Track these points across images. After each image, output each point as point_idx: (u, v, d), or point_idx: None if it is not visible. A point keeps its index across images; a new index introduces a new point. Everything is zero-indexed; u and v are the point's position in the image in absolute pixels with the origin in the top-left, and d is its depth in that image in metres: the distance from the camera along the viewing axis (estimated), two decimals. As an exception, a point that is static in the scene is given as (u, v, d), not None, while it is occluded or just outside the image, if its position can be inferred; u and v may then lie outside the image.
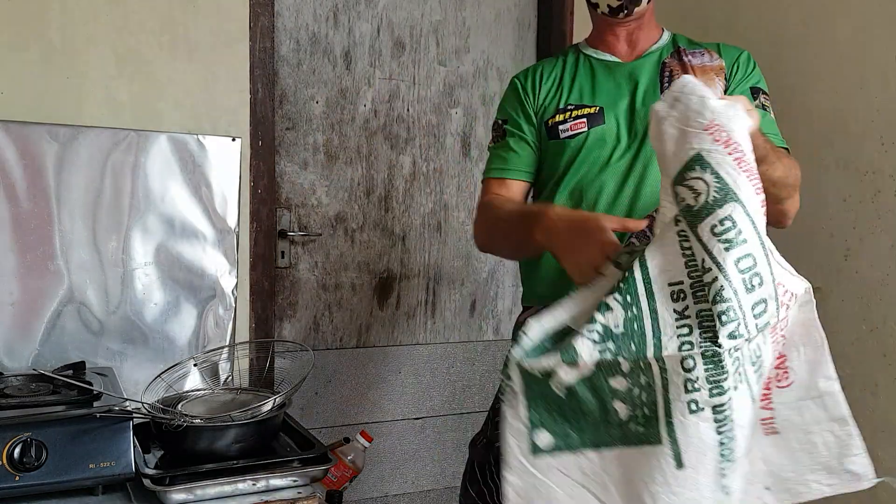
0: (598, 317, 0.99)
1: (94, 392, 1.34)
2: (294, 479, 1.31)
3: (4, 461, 1.16)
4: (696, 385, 0.95)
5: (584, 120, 1.45)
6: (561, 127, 1.46)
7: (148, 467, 1.28)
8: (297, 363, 1.56)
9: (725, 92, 1.43)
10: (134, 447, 1.26)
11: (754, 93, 1.42)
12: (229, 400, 1.47)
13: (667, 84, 1.43)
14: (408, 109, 2.37)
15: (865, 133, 1.69)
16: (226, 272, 1.86)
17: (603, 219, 1.18)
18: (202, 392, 1.53)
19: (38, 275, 1.66)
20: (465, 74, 2.44)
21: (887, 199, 1.64)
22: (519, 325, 1.55)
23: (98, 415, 1.24)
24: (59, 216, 1.68)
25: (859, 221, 1.70)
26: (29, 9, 1.77)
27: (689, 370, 0.95)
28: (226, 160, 1.86)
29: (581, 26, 2.48)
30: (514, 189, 1.51)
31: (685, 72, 1.42)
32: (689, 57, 1.47)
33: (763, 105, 1.43)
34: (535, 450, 1.03)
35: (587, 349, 0.98)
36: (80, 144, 1.70)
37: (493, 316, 2.54)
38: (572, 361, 0.98)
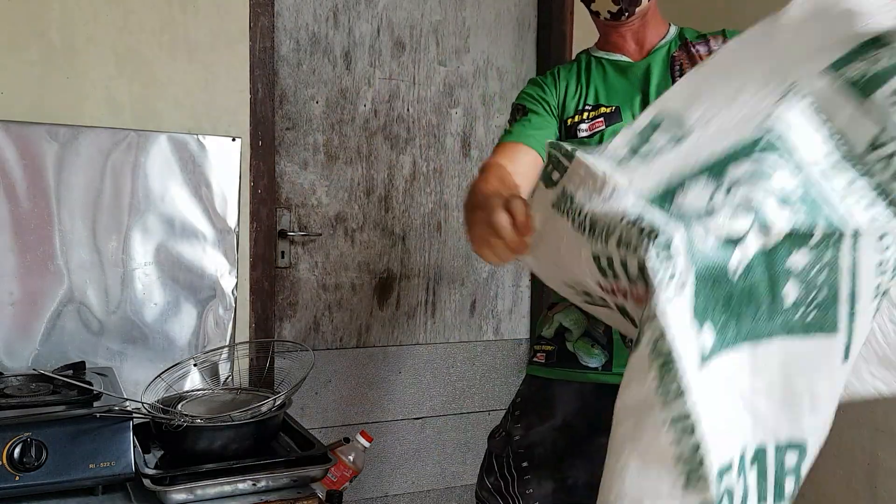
0: (776, 175, 0.79)
1: (94, 392, 1.34)
2: (294, 479, 1.31)
3: (4, 461, 1.16)
4: (883, 268, 0.81)
5: (602, 119, 1.46)
6: (580, 127, 1.47)
7: (148, 467, 1.28)
8: (297, 363, 1.56)
9: None
10: (134, 447, 1.26)
11: None
12: (229, 400, 1.47)
13: (677, 77, 1.43)
14: (408, 109, 2.37)
15: (865, 133, 1.69)
16: (226, 272, 1.86)
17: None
18: (202, 392, 1.53)
19: (38, 275, 1.66)
20: (465, 74, 2.44)
21: (887, 199, 1.64)
22: (546, 321, 1.50)
23: (98, 415, 1.24)
24: (59, 216, 1.68)
25: (859, 221, 1.70)
26: (29, 9, 1.77)
27: (885, 249, 0.80)
28: (226, 160, 1.86)
29: (581, 26, 2.48)
30: (523, 157, 1.41)
31: (694, 63, 1.43)
32: (698, 48, 1.47)
33: None
34: (703, 359, 0.77)
35: (781, 214, 0.78)
36: (80, 144, 1.70)
37: (493, 316, 2.54)
38: (765, 227, 0.77)
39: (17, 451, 1.17)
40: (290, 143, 2.21)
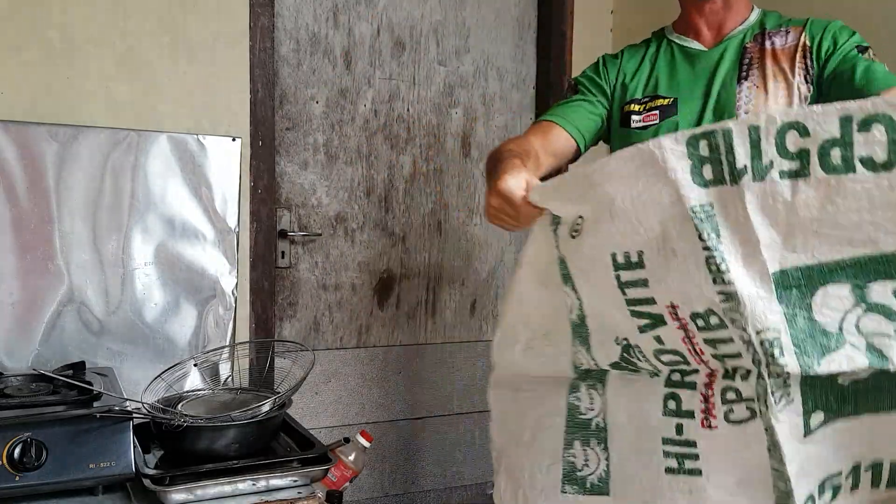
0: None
1: (94, 392, 1.34)
2: (294, 479, 1.31)
3: (4, 461, 1.16)
4: None
5: (657, 112, 1.43)
6: (634, 117, 1.44)
7: (148, 467, 1.28)
8: (297, 363, 1.56)
9: (821, 67, 1.35)
10: (134, 447, 1.26)
11: (861, 51, 1.34)
12: (229, 400, 1.47)
13: (744, 72, 1.39)
14: (408, 109, 2.37)
15: (865, 133, 1.68)
16: (226, 272, 1.86)
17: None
18: (202, 392, 1.53)
19: (38, 275, 1.66)
20: (465, 74, 2.44)
21: (887, 199, 1.64)
22: None
23: (98, 415, 1.24)
24: (59, 216, 1.68)
25: (859, 221, 1.70)
26: (29, 9, 1.77)
27: None
28: (226, 160, 1.86)
29: (581, 26, 2.48)
30: (556, 137, 1.43)
31: (762, 57, 1.38)
32: (773, 38, 1.40)
33: (873, 58, 1.34)
34: (807, 431, 0.89)
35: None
36: (80, 144, 1.70)
37: (493, 316, 2.54)
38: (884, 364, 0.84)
39: (17, 451, 1.17)
40: (290, 143, 2.21)
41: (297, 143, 2.22)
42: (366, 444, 1.75)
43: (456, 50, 2.42)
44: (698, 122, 1.40)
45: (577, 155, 1.48)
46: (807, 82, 1.36)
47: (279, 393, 1.44)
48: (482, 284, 2.51)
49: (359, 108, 2.30)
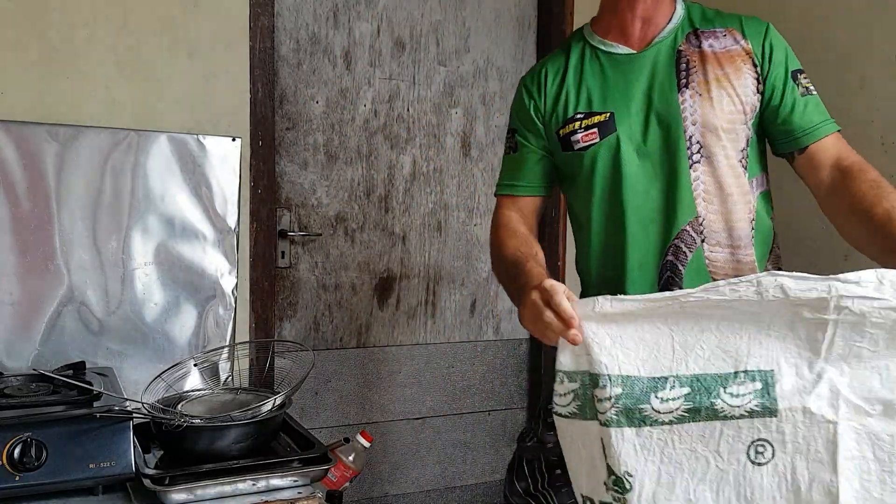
0: None
1: (94, 392, 1.34)
2: (294, 479, 1.31)
3: (4, 461, 1.16)
4: None
5: (595, 130, 1.33)
6: (573, 138, 1.35)
7: (148, 467, 1.28)
8: (297, 363, 1.56)
9: (762, 79, 1.29)
10: (134, 447, 1.26)
11: (795, 76, 1.28)
12: (229, 400, 1.47)
13: (684, 78, 1.29)
14: (408, 109, 2.37)
15: (865, 133, 1.69)
16: (226, 272, 1.86)
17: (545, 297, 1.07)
18: (202, 392, 1.53)
19: (38, 275, 1.66)
20: (465, 74, 2.44)
21: (887, 199, 1.64)
22: None
23: (98, 415, 1.24)
24: (59, 216, 1.68)
25: (859, 221, 1.70)
26: (29, 9, 1.77)
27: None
28: (226, 160, 1.86)
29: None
30: (525, 206, 1.44)
31: (704, 61, 1.29)
32: (709, 40, 1.30)
33: (807, 88, 1.29)
34: None
35: None
36: (80, 144, 1.70)
37: (493, 316, 2.54)
38: None
39: (17, 451, 1.17)
40: (290, 143, 2.21)
41: (297, 143, 2.22)
42: (366, 444, 1.75)
43: (456, 50, 2.42)
44: (643, 138, 1.31)
45: (544, 200, 1.46)
46: (757, 91, 1.29)
47: (279, 393, 1.43)
48: (482, 284, 2.51)
49: (359, 108, 2.30)
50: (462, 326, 2.49)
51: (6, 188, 1.63)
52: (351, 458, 1.70)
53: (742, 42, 1.30)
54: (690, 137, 1.28)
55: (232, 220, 1.87)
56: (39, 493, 1.20)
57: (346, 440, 1.74)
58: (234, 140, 1.87)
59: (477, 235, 2.49)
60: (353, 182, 2.30)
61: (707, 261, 1.29)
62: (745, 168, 1.31)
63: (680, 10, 1.34)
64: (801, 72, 1.30)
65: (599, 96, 1.35)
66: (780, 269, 1.35)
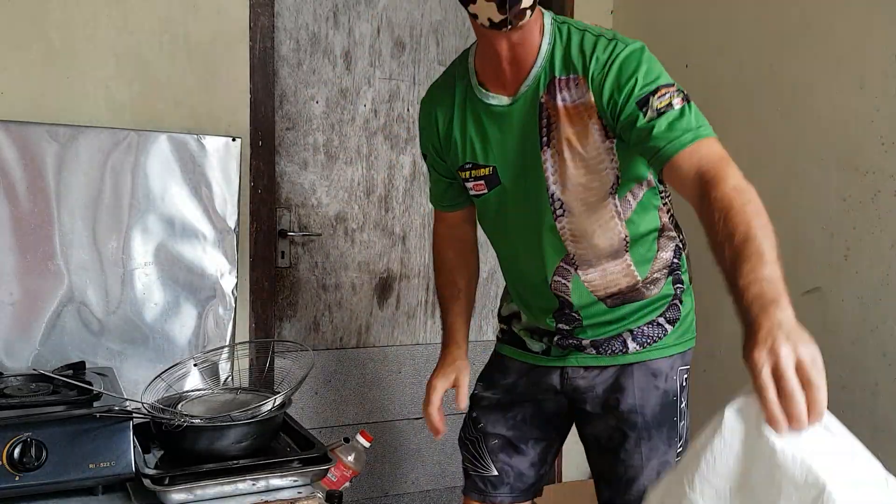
0: None
1: (94, 392, 1.34)
2: (294, 479, 1.31)
3: (4, 461, 1.16)
4: None
5: (483, 182, 1.40)
6: (467, 185, 1.43)
7: (148, 467, 1.28)
8: (297, 363, 1.56)
9: (610, 126, 1.26)
10: (134, 447, 1.26)
11: (642, 105, 1.21)
12: (229, 400, 1.47)
13: (545, 136, 1.30)
14: (408, 109, 2.37)
15: (865, 133, 1.69)
16: (226, 272, 1.86)
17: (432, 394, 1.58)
18: (202, 392, 1.53)
19: (38, 275, 1.66)
20: (465, 74, 2.44)
21: (887, 199, 1.64)
22: (505, 298, 1.63)
23: (98, 415, 1.24)
24: (59, 216, 1.68)
25: (859, 221, 1.70)
26: (29, 9, 1.77)
27: None
28: (226, 160, 1.86)
29: (581, 26, 2.48)
30: (452, 218, 1.58)
31: (559, 118, 1.28)
32: (563, 93, 1.27)
33: (659, 110, 1.19)
34: None
35: None
36: (80, 144, 1.70)
37: (493, 316, 2.54)
38: None
39: (17, 451, 1.17)
40: (290, 143, 2.21)
41: (297, 143, 2.22)
42: (366, 444, 1.75)
43: (456, 50, 2.42)
44: (521, 191, 1.36)
45: (470, 208, 1.55)
46: (607, 138, 1.27)
47: (279, 393, 1.43)
48: (482, 284, 2.51)
49: (359, 108, 2.30)
50: (462, 326, 2.49)
51: (6, 188, 1.63)
52: (351, 458, 1.70)
53: (587, 94, 1.26)
54: (553, 195, 1.33)
55: (232, 220, 1.87)
56: (39, 493, 1.20)
57: (346, 440, 1.74)
58: (234, 140, 1.87)
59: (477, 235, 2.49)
60: (353, 182, 2.30)
61: (584, 283, 1.40)
62: (615, 197, 1.34)
63: (545, 46, 1.29)
64: (653, 92, 1.21)
65: (482, 150, 1.38)
66: (676, 259, 1.44)
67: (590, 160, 1.29)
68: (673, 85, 1.22)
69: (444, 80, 1.49)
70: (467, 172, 1.42)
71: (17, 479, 1.17)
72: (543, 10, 1.31)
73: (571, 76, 1.27)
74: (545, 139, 1.30)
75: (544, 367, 1.50)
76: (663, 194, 1.41)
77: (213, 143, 1.84)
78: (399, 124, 2.36)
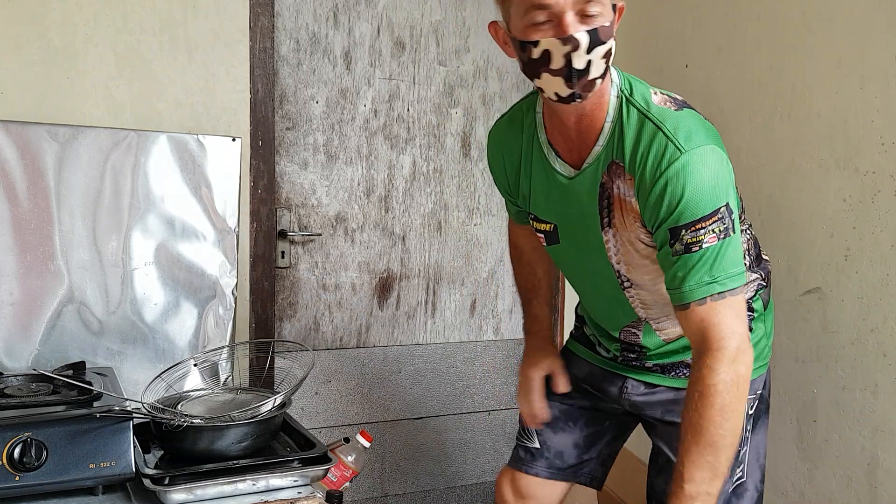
0: None
1: (94, 392, 1.34)
2: (294, 479, 1.31)
3: (4, 461, 1.16)
4: None
5: (543, 236, 1.41)
6: (533, 227, 1.44)
7: (148, 467, 1.28)
8: (297, 363, 1.56)
9: (651, 232, 1.23)
10: (134, 447, 1.26)
11: (673, 234, 1.18)
12: (229, 400, 1.47)
13: (606, 217, 1.27)
14: (408, 109, 2.37)
15: (865, 133, 1.69)
16: (226, 272, 1.86)
17: (532, 383, 1.56)
18: (202, 392, 1.53)
19: (38, 275, 1.66)
20: (465, 74, 2.44)
21: (887, 199, 1.64)
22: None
23: (98, 415, 1.24)
24: (59, 216, 1.68)
25: (859, 221, 1.70)
26: (29, 9, 1.77)
27: None
28: (226, 160, 1.86)
29: (581, 26, 2.48)
30: (526, 228, 1.56)
31: (615, 204, 1.25)
32: (617, 181, 1.24)
33: (688, 245, 1.16)
34: None
35: None
36: (80, 144, 1.70)
37: (493, 316, 2.54)
38: None
39: (17, 451, 1.17)
40: (290, 143, 2.21)
41: (297, 143, 2.22)
42: (366, 444, 1.75)
43: (456, 50, 2.42)
44: (590, 263, 1.36)
45: None
46: (649, 235, 1.24)
47: (279, 393, 1.43)
48: (482, 284, 2.51)
49: (359, 108, 2.30)
50: (462, 326, 2.49)
51: (6, 188, 1.63)
52: (351, 458, 1.70)
53: (632, 198, 1.23)
54: (619, 272, 1.34)
55: (232, 220, 1.87)
56: (39, 493, 1.20)
57: (346, 440, 1.74)
58: (234, 140, 1.87)
59: (477, 235, 2.49)
60: (353, 182, 2.30)
61: (656, 331, 1.41)
62: None
63: (608, 124, 1.24)
64: (695, 224, 1.16)
65: (545, 206, 1.37)
66: (750, 295, 1.41)
67: (636, 245, 1.27)
68: (715, 214, 1.16)
69: (511, 122, 1.42)
70: (532, 221, 1.43)
71: (17, 479, 1.17)
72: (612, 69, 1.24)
73: (622, 166, 1.22)
74: (606, 220, 1.28)
75: (609, 372, 1.52)
76: (743, 234, 1.34)
77: (213, 143, 1.84)
78: (399, 124, 2.36)
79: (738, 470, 1.40)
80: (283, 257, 2.21)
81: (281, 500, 1.27)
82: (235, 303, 1.88)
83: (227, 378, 1.74)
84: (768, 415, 1.48)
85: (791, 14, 1.88)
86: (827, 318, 1.77)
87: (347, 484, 1.68)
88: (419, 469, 2.46)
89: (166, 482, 1.22)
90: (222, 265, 1.86)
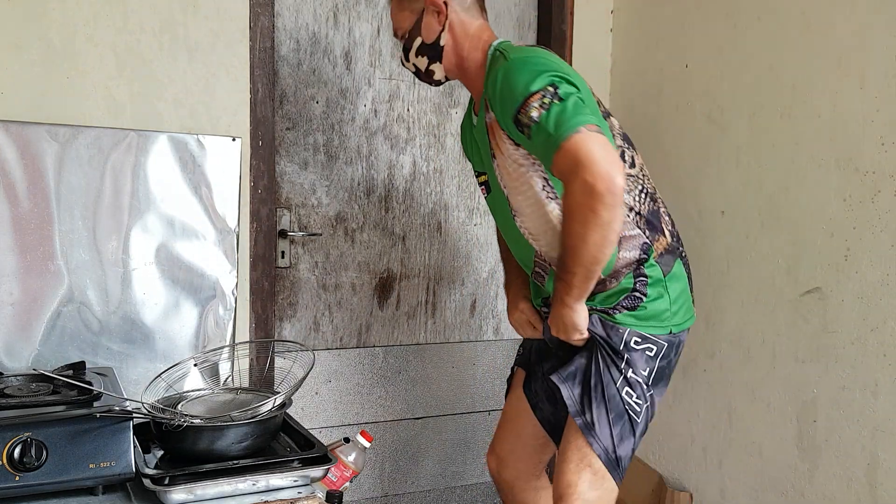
0: None
1: (94, 392, 1.34)
2: (294, 479, 1.31)
3: (4, 461, 1.16)
4: None
5: (484, 188, 1.66)
6: (478, 183, 1.70)
7: (148, 467, 1.28)
8: (297, 363, 1.56)
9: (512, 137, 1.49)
10: (134, 447, 1.26)
11: (517, 120, 1.41)
12: (229, 400, 1.47)
13: (492, 150, 1.55)
14: (408, 109, 2.37)
15: (865, 133, 1.69)
16: (226, 272, 1.86)
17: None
18: (202, 392, 1.53)
19: (38, 275, 1.66)
20: (465, 74, 2.44)
21: (887, 199, 1.64)
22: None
23: (98, 415, 1.24)
24: (59, 216, 1.68)
25: (859, 221, 1.70)
26: (29, 9, 1.77)
27: None
28: (226, 160, 1.86)
29: (581, 26, 2.48)
30: None
31: (492, 131, 1.51)
32: (490, 112, 1.51)
33: (530, 118, 1.38)
34: None
35: None
36: (80, 144, 1.70)
37: (493, 316, 2.54)
38: None
39: (17, 451, 1.17)
40: (290, 143, 2.21)
41: (297, 143, 2.22)
42: (366, 444, 1.75)
43: (456, 50, 2.42)
44: (496, 203, 1.62)
45: None
46: (516, 145, 1.49)
47: (279, 393, 1.44)
48: (482, 284, 2.51)
49: (359, 108, 2.30)
50: (462, 326, 2.49)
51: (6, 188, 1.63)
52: (351, 458, 1.70)
53: (490, 112, 1.51)
54: (509, 201, 1.57)
55: (232, 220, 1.87)
56: (39, 493, 1.21)
57: (346, 440, 1.74)
58: (234, 140, 1.87)
59: (477, 235, 2.49)
60: (353, 182, 2.30)
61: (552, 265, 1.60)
62: (556, 200, 1.50)
63: (485, 71, 1.56)
64: (523, 105, 1.39)
65: (477, 158, 1.65)
66: (644, 254, 1.57)
67: (511, 166, 1.51)
68: (535, 94, 1.37)
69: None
70: (477, 177, 1.69)
71: (17, 479, 1.17)
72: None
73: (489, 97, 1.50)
74: (492, 151, 1.54)
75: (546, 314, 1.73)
76: None
77: (213, 143, 1.84)
78: (399, 124, 2.36)
79: (623, 375, 1.53)
80: (283, 257, 2.21)
81: (281, 500, 1.27)
82: (235, 303, 1.88)
83: (227, 378, 1.74)
84: (667, 383, 1.59)
85: (791, 14, 1.88)
86: (827, 318, 1.77)
87: (347, 484, 1.69)
88: (419, 469, 2.46)
89: (166, 482, 1.22)
90: (222, 265, 1.86)
